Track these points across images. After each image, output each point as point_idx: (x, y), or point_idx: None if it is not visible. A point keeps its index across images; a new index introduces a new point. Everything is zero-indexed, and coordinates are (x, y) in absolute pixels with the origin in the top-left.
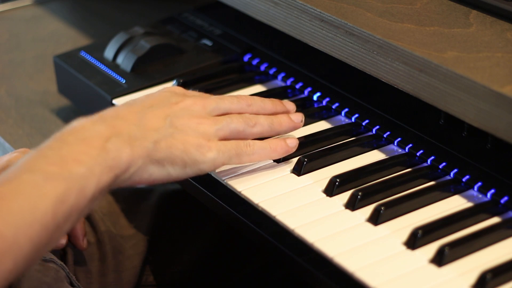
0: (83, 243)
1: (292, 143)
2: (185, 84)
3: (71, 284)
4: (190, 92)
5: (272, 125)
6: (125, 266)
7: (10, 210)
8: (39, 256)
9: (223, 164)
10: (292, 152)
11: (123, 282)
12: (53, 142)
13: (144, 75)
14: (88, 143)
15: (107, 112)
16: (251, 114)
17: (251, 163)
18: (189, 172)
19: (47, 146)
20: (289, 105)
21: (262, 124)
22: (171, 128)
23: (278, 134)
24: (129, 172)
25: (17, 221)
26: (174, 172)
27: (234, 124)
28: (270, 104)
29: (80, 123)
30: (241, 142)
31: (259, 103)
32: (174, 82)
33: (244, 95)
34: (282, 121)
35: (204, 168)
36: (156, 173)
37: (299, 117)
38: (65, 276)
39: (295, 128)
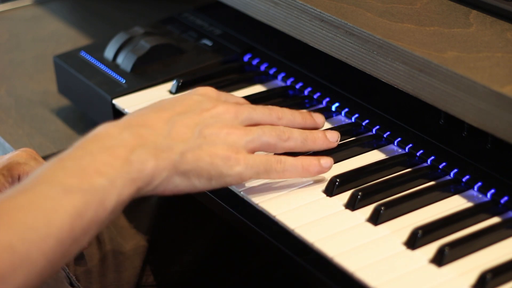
0: None
1: (326, 164)
2: (185, 84)
3: (71, 284)
4: (223, 95)
5: (306, 141)
6: (125, 266)
7: (24, 224)
8: (54, 271)
9: (250, 179)
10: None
11: (123, 282)
12: (75, 150)
13: (144, 75)
14: (112, 153)
15: (134, 118)
16: (284, 126)
17: None
18: (215, 184)
19: (68, 155)
20: (319, 118)
21: (296, 139)
22: (200, 138)
23: (310, 151)
24: (153, 184)
25: (31, 235)
26: (199, 184)
27: (266, 136)
28: (300, 117)
29: (106, 130)
30: (272, 158)
31: (289, 116)
32: (174, 82)
33: (275, 107)
34: (316, 138)
35: (230, 181)
36: (181, 184)
37: (335, 136)
38: (65, 276)
39: (328, 147)
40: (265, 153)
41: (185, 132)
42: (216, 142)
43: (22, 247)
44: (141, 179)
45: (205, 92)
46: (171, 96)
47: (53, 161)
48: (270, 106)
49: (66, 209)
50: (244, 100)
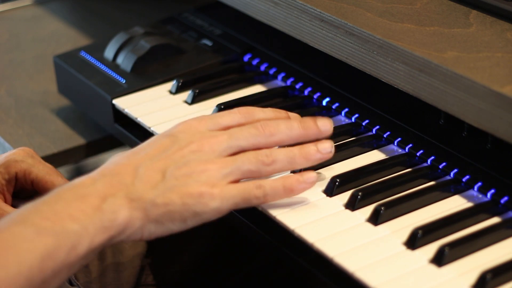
0: None
1: (309, 179)
2: (185, 84)
3: (71, 283)
4: (204, 124)
5: (294, 160)
6: (124, 266)
7: None
8: None
9: (230, 211)
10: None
11: (122, 282)
12: (49, 196)
13: (144, 75)
14: (84, 201)
15: (108, 167)
16: (270, 148)
17: None
18: (191, 224)
19: (43, 200)
20: (324, 125)
21: (281, 161)
22: (171, 180)
23: (302, 167)
24: (125, 233)
25: (1, 274)
26: (175, 227)
27: (246, 165)
28: (298, 128)
29: (80, 180)
30: (250, 184)
31: (285, 130)
32: (174, 82)
33: (269, 122)
34: (307, 153)
35: (208, 217)
36: (156, 231)
37: (328, 147)
38: None
39: (322, 160)
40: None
41: (155, 177)
42: (188, 182)
43: None
44: (114, 228)
45: (182, 129)
46: (171, 96)
47: (28, 205)
48: (263, 122)
49: (37, 250)
50: (226, 128)
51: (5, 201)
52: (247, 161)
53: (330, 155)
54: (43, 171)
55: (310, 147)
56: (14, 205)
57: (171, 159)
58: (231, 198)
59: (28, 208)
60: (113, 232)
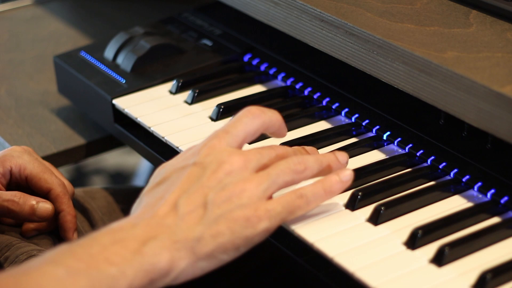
0: (73, 237)
1: (346, 177)
2: (185, 84)
3: None
4: (227, 144)
5: (321, 167)
6: None
7: None
8: None
9: (277, 227)
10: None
11: None
12: (85, 240)
13: (144, 75)
14: (123, 245)
15: (144, 210)
16: (295, 156)
17: None
18: (243, 250)
19: (77, 242)
20: (343, 159)
21: (312, 168)
22: (214, 210)
23: (324, 175)
24: (171, 276)
25: None
26: (227, 257)
27: (281, 177)
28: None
29: (118, 224)
30: (292, 196)
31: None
32: (174, 82)
33: (279, 147)
34: (330, 161)
35: (259, 239)
36: (208, 266)
37: (345, 158)
38: None
39: (340, 168)
40: None
41: (197, 212)
42: (231, 207)
43: None
44: (155, 271)
45: (207, 151)
46: (171, 96)
47: (62, 246)
48: (273, 147)
49: None
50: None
51: None
52: (281, 173)
53: (346, 166)
54: (38, 168)
55: (331, 156)
56: None
57: (207, 187)
58: (278, 215)
59: (61, 249)
60: (154, 276)
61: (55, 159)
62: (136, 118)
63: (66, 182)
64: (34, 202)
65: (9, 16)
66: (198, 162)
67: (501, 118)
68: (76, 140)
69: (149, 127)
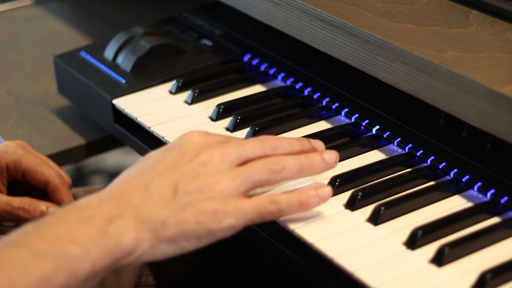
0: None
1: (324, 194)
2: (185, 84)
3: None
4: (210, 137)
5: (302, 168)
6: (124, 266)
7: None
8: None
9: (244, 227)
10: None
11: (123, 283)
12: (52, 217)
13: (144, 75)
14: (88, 223)
15: (115, 187)
16: (276, 156)
17: None
18: (206, 241)
19: (44, 221)
20: (318, 144)
21: (291, 169)
22: (183, 197)
23: (309, 176)
24: (134, 256)
25: None
26: (189, 245)
27: (256, 175)
28: (298, 144)
29: (86, 201)
30: (264, 200)
31: (286, 146)
32: (174, 82)
33: (269, 137)
34: (313, 162)
35: (222, 235)
36: (169, 251)
37: (333, 156)
38: None
39: (328, 169)
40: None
41: (166, 194)
42: (200, 197)
43: None
44: (119, 251)
45: (189, 140)
46: (171, 96)
47: (27, 225)
48: (263, 137)
49: (33, 274)
50: (232, 138)
51: (0, 192)
52: (257, 171)
53: (335, 165)
54: (34, 161)
55: (316, 157)
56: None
57: (181, 173)
58: (246, 215)
59: (27, 229)
60: (118, 255)
61: (55, 159)
62: (136, 118)
63: (63, 173)
64: (44, 208)
65: (9, 16)
66: (178, 146)
67: (501, 118)
68: (76, 140)
69: (149, 127)
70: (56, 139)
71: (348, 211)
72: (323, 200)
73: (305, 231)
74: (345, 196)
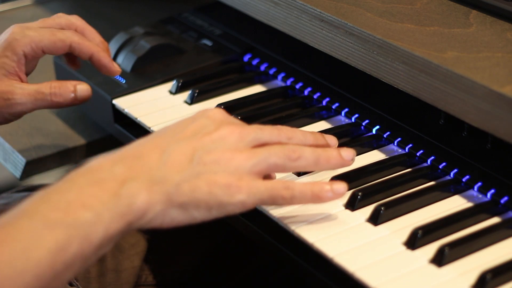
0: (115, 67)
1: (339, 190)
2: (185, 84)
3: (70, 284)
4: (230, 118)
5: (318, 161)
6: (124, 265)
7: (0, 258)
8: None
9: (255, 206)
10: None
11: (122, 282)
12: (62, 183)
13: (144, 75)
14: (100, 186)
15: (129, 149)
16: (293, 145)
17: None
18: (215, 214)
19: (54, 187)
20: (331, 139)
21: (307, 158)
22: (199, 166)
23: (323, 170)
24: (145, 219)
25: (6, 270)
26: (198, 215)
27: (273, 158)
28: (312, 138)
29: (98, 162)
30: (279, 184)
31: (300, 137)
32: (174, 82)
33: (285, 127)
34: (330, 156)
35: (233, 210)
36: (179, 217)
37: (350, 154)
38: None
39: (343, 166)
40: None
41: (182, 161)
42: (216, 169)
43: None
44: (132, 213)
45: (210, 115)
46: (171, 96)
47: (39, 193)
48: (279, 126)
49: (46, 244)
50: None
51: (22, 81)
52: (274, 154)
53: (351, 163)
54: (46, 34)
55: (333, 152)
56: None
57: (199, 143)
58: (258, 193)
59: (38, 197)
60: (130, 218)
61: (55, 159)
62: (136, 118)
63: (73, 26)
64: (72, 88)
65: (9, 16)
66: (200, 120)
67: (501, 118)
68: (76, 140)
69: (149, 127)
70: (56, 139)
71: (348, 211)
72: (337, 195)
73: (305, 231)
74: (345, 196)
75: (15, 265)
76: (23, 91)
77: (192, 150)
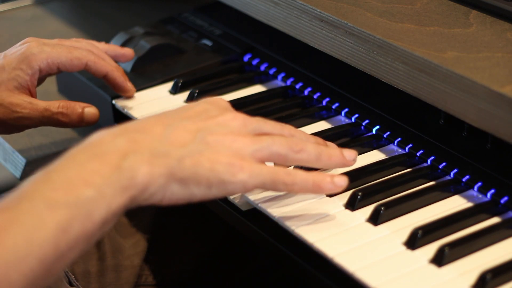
0: (129, 86)
1: (339, 182)
2: (185, 84)
3: (70, 283)
4: (233, 109)
5: (320, 156)
6: (124, 265)
7: (3, 244)
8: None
9: (255, 188)
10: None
11: (122, 282)
12: (63, 160)
13: (144, 75)
14: (101, 160)
15: (132, 124)
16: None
17: None
18: (215, 192)
19: (55, 166)
20: (331, 145)
21: (309, 152)
22: (201, 144)
23: (324, 167)
24: (148, 192)
25: (9, 256)
26: (198, 192)
27: (276, 146)
28: (313, 139)
29: (99, 136)
30: (280, 169)
31: (302, 136)
32: (174, 82)
33: (288, 125)
34: (332, 154)
35: (233, 189)
36: (179, 192)
37: (352, 154)
38: (64, 275)
39: (344, 165)
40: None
41: (185, 136)
42: (219, 148)
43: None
44: (134, 187)
45: (215, 101)
46: (171, 96)
47: (39, 174)
48: (282, 124)
49: (48, 226)
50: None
51: (31, 95)
52: (277, 143)
53: (352, 163)
54: (63, 52)
55: (336, 150)
56: None
57: (204, 123)
58: (261, 175)
59: (38, 177)
60: (133, 192)
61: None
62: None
63: (89, 46)
64: (80, 110)
65: (9, 16)
66: (205, 102)
67: (501, 118)
68: (76, 140)
69: None
70: (56, 139)
71: (348, 211)
72: (337, 187)
73: (305, 231)
74: (345, 196)
75: (18, 250)
76: (32, 106)
77: (196, 128)
